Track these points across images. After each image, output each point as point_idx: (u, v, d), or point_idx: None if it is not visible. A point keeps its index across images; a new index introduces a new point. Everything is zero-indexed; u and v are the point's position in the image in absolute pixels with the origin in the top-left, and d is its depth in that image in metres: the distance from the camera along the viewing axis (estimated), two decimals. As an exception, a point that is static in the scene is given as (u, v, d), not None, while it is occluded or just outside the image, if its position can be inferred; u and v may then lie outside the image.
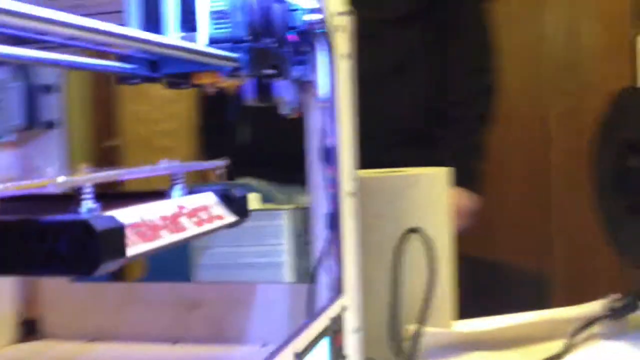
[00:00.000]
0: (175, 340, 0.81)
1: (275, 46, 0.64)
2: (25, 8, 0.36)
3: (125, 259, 0.43)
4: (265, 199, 1.04)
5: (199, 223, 0.56)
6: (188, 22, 0.58)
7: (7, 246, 0.41)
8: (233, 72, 0.59)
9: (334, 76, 0.74)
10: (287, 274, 0.96)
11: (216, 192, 0.63)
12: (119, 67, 0.58)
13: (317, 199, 0.80)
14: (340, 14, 0.72)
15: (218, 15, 0.59)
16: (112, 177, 0.47)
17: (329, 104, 0.75)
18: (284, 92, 0.77)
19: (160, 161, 0.56)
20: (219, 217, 0.60)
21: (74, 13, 0.39)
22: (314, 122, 0.77)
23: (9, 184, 0.39)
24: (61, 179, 0.42)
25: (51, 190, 0.41)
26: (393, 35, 1.47)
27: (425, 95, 1.52)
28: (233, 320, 0.80)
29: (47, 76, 0.77)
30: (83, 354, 0.83)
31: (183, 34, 0.58)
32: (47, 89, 0.76)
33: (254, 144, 1.40)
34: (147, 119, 2.36)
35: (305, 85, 0.77)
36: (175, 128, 2.27)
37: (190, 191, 0.59)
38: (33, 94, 0.75)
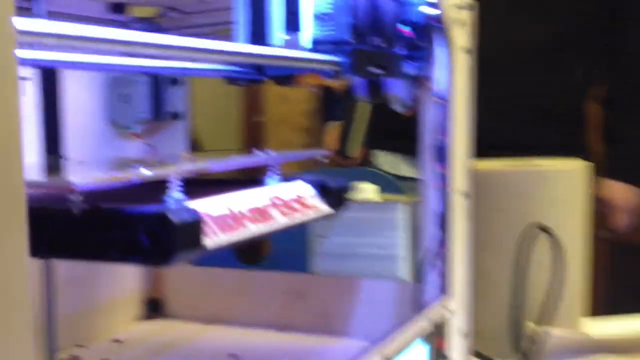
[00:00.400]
0: (282, 327, 0.83)
1: (382, 46, 0.63)
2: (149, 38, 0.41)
3: (203, 250, 0.44)
4: (388, 188, 1.02)
5: (290, 214, 0.56)
6: (293, 23, 0.58)
7: (91, 233, 0.43)
8: (336, 75, 0.59)
9: (452, 72, 0.72)
10: (402, 267, 0.94)
11: (312, 183, 0.62)
12: (228, 71, 0.60)
13: (429, 197, 0.78)
14: (460, 7, 0.70)
15: (322, 17, 0.58)
16: (200, 168, 0.48)
17: (445, 101, 0.73)
18: (397, 89, 0.75)
19: (254, 150, 0.57)
20: (314, 208, 0.59)
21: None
22: (429, 119, 0.75)
23: (92, 177, 0.41)
24: (145, 171, 0.43)
25: (135, 181, 0.43)
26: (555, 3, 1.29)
27: (585, 74, 1.34)
28: (338, 313, 0.80)
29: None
30: (199, 336, 0.87)
31: (287, 36, 0.58)
32: (173, 82, 0.80)
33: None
34: (289, 98, 2.48)
35: (420, 81, 0.75)
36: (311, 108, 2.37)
37: (286, 180, 0.59)
38: (160, 87, 0.79)
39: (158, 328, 0.91)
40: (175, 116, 0.80)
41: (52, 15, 0.59)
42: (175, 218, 0.41)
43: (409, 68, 0.72)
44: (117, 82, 0.77)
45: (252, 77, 0.60)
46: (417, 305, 0.73)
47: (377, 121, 1.41)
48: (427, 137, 0.76)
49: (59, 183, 0.43)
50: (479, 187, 0.86)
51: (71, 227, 0.44)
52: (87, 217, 0.43)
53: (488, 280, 0.88)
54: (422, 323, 0.67)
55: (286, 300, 0.84)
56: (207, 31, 0.74)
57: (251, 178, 0.58)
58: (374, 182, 1.01)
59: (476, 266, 0.78)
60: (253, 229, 0.50)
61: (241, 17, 0.58)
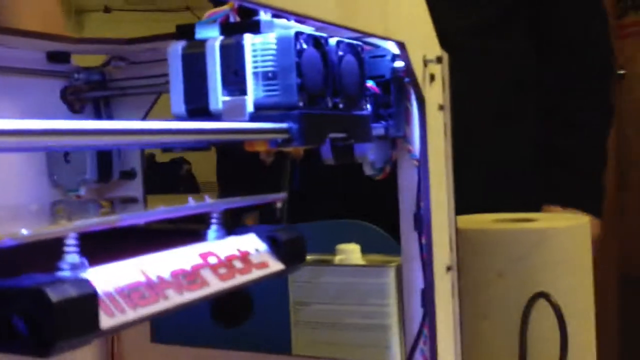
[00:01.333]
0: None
1: (341, 107, 0.55)
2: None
3: (99, 332, 0.36)
4: (380, 244, 0.93)
5: (229, 275, 0.47)
6: (235, 84, 0.51)
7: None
8: (284, 144, 0.51)
9: (425, 130, 0.65)
10: (392, 339, 0.85)
11: (260, 234, 0.53)
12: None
13: (410, 272, 0.70)
14: (429, 60, 0.63)
15: (267, 77, 0.51)
16: (97, 224, 0.40)
17: (422, 162, 0.66)
18: (367, 151, 0.68)
19: (205, 196, 0.49)
20: (261, 266, 0.51)
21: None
22: (406, 183, 0.68)
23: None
24: (24, 231, 0.36)
25: (8, 244, 0.35)
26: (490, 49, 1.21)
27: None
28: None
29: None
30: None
31: (228, 98, 0.51)
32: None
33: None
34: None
35: (395, 142, 0.69)
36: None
37: (230, 232, 0.51)
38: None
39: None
40: (127, 175, 0.74)
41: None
42: (55, 295, 0.34)
43: (377, 128, 0.66)
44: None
45: (196, 146, 0.53)
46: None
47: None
48: (405, 203, 0.69)
49: None
50: (473, 248, 0.79)
51: None
52: None
53: (489, 353, 0.79)
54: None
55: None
56: (157, 82, 0.68)
57: (190, 230, 0.50)
58: (363, 237, 0.93)
59: (476, 337, 0.70)
60: (176, 299, 0.42)
61: (176, 77, 0.52)
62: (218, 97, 0.51)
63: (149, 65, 0.69)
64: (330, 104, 0.53)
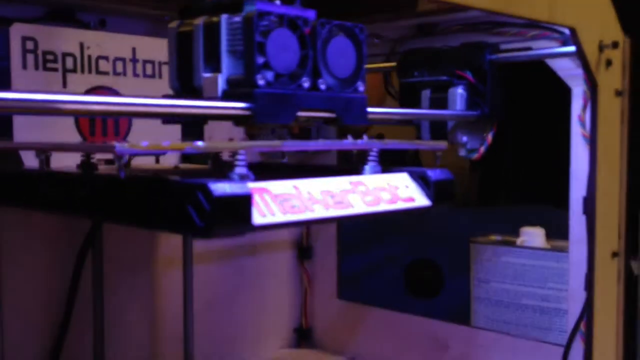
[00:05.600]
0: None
1: (322, 88, 0.54)
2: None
3: (251, 227, 0.45)
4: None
5: (374, 202, 0.53)
6: (212, 62, 0.53)
7: (142, 201, 0.47)
8: (246, 121, 0.51)
9: (597, 116, 0.67)
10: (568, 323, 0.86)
11: (412, 174, 0.57)
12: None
13: (577, 254, 0.71)
14: (606, 46, 0.65)
15: (238, 56, 0.52)
16: (264, 145, 0.49)
17: (591, 146, 0.68)
18: (459, 134, 0.73)
19: (348, 136, 0.55)
20: (408, 200, 0.55)
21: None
22: (578, 166, 0.70)
23: (146, 143, 0.45)
24: (200, 144, 0.46)
25: (189, 151, 0.46)
26: None
27: None
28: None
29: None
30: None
31: (209, 75, 0.53)
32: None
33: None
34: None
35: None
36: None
37: (385, 170, 0.57)
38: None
39: (300, 357, 0.94)
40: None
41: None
42: (217, 190, 0.43)
43: (472, 113, 0.69)
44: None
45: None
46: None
47: None
48: (575, 187, 0.71)
49: (103, 147, 0.47)
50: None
51: (120, 193, 0.48)
52: (135, 184, 0.47)
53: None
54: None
55: (430, 349, 0.81)
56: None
57: (347, 167, 0.57)
58: (548, 222, 0.95)
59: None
60: (321, 213, 0.49)
61: (172, 54, 0.56)
62: (201, 74, 0.53)
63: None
64: (308, 84, 0.53)
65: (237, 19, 0.52)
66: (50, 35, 0.69)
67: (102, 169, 0.57)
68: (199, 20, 0.53)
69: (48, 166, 0.56)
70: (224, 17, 0.52)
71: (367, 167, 0.56)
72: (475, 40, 0.75)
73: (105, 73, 0.73)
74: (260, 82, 0.50)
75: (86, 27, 0.75)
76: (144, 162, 0.70)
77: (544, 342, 0.80)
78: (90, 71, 0.73)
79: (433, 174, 0.57)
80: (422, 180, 0.57)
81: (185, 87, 0.54)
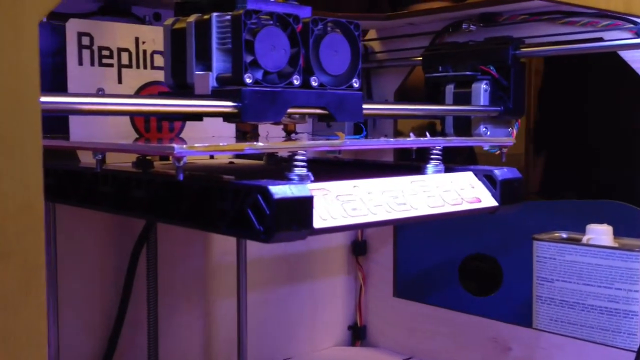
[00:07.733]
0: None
1: (314, 85, 0.53)
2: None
3: (311, 230, 0.43)
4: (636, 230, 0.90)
5: (438, 203, 0.51)
6: (204, 60, 0.52)
7: (199, 203, 0.46)
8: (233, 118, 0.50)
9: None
10: (635, 325, 0.82)
11: (478, 173, 0.56)
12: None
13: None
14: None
15: (227, 54, 0.51)
16: (325, 145, 0.47)
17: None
18: (482, 129, 0.71)
19: (411, 134, 0.55)
20: (474, 200, 0.54)
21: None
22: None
23: (201, 145, 0.44)
24: (260, 144, 0.45)
25: (249, 152, 0.44)
26: None
27: None
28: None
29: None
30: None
31: (201, 73, 0.52)
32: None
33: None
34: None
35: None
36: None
37: (448, 169, 0.55)
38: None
39: (355, 354, 0.92)
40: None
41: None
42: (277, 193, 0.42)
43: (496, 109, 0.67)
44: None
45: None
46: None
47: None
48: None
49: (161, 148, 0.46)
50: None
51: (177, 194, 0.47)
52: (192, 185, 0.45)
53: None
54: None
55: (490, 350, 0.79)
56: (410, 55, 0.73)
57: (406, 163, 0.56)
58: (617, 218, 0.90)
59: None
60: (383, 216, 0.47)
61: (167, 51, 0.55)
62: (193, 72, 0.53)
63: (404, 40, 0.75)
64: (298, 82, 0.52)
65: (227, 17, 0.51)
66: (106, 31, 0.68)
67: (158, 165, 0.56)
68: (192, 18, 0.53)
69: (104, 164, 0.56)
70: (214, 15, 0.52)
71: (429, 166, 0.55)
72: (539, 32, 0.73)
73: (161, 68, 0.73)
74: (248, 80, 0.50)
75: (141, 21, 0.75)
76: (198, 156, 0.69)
77: (612, 346, 0.77)
78: (145, 66, 0.72)
79: (500, 173, 0.55)
80: (488, 180, 0.55)
81: (179, 84, 0.55)
